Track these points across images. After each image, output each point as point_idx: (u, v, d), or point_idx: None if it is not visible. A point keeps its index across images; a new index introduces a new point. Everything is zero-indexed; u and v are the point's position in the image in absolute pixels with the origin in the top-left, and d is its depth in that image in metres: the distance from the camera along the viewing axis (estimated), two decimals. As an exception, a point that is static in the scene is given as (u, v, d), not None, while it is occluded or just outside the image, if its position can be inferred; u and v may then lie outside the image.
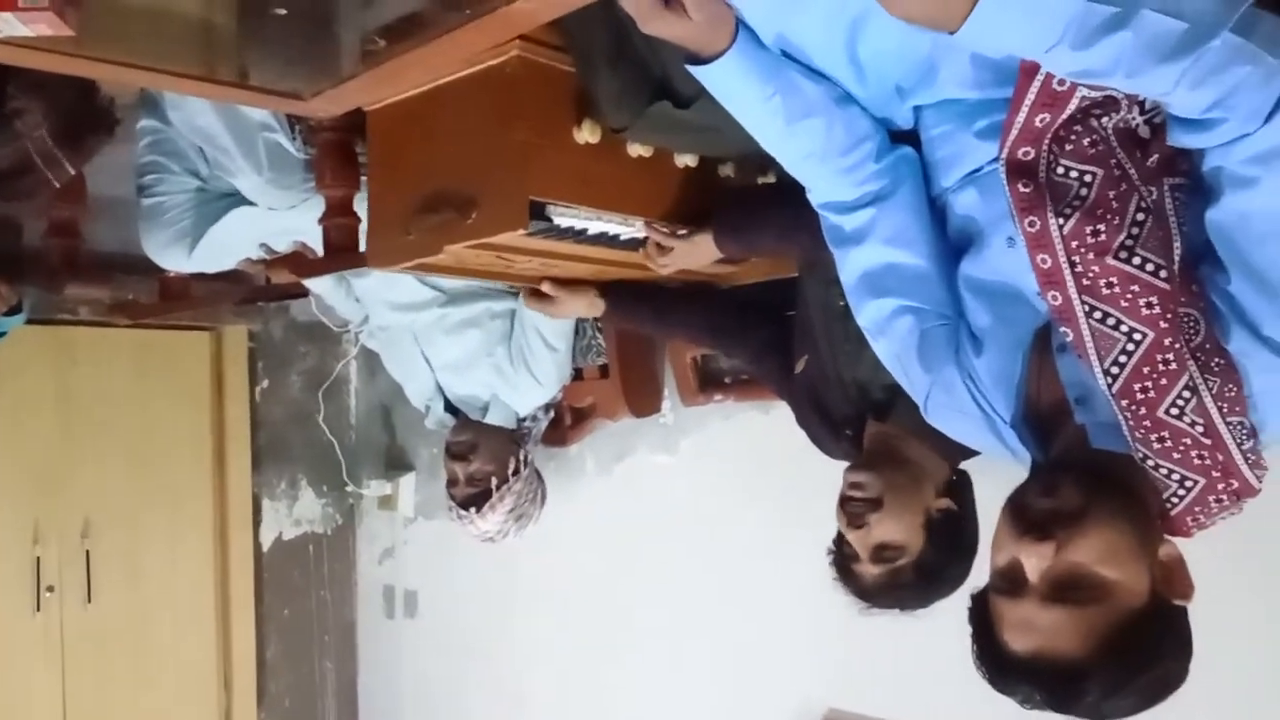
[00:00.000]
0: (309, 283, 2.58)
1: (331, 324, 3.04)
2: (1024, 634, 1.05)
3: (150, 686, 3.35)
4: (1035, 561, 1.04)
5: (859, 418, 1.71)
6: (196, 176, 2.27)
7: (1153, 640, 1.03)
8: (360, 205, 1.87)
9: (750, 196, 1.72)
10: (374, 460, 3.69)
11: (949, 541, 1.51)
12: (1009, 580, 1.07)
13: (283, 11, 1.18)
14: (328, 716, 3.75)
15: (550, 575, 3.06)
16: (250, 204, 2.20)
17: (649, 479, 2.79)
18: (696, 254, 1.76)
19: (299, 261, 2.25)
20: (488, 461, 2.41)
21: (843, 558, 1.60)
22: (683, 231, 1.76)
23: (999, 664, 1.09)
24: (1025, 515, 1.08)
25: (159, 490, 3.36)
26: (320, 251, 1.94)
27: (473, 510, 2.39)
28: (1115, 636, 1.02)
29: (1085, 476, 1.10)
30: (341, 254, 1.85)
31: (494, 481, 2.40)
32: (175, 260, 2.38)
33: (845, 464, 1.67)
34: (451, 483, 2.43)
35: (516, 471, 2.43)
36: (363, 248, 1.82)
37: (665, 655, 2.77)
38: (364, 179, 1.88)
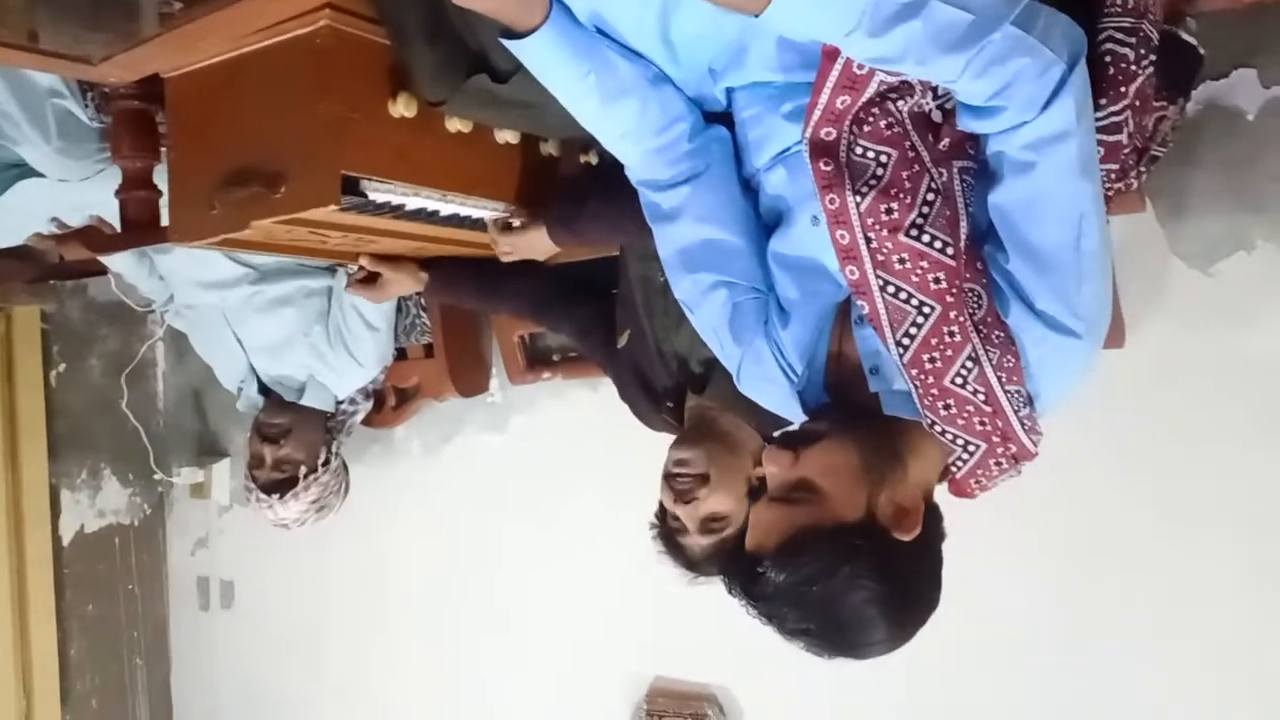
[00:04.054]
0: (108, 260, 2.44)
1: (134, 304, 2.87)
2: (751, 531, 1.14)
3: (-61, 695, 3.11)
4: (774, 469, 1.14)
5: (679, 390, 1.75)
6: (-25, 146, 2.10)
7: (841, 552, 1.07)
8: (161, 177, 1.77)
9: (579, 188, 1.73)
10: (185, 446, 3.52)
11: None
12: (760, 489, 1.18)
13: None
14: (139, 716, 3.57)
15: (377, 560, 3.00)
16: (39, 175, 2.06)
17: (478, 459, 2.77)
18: (532, 247, 1.76)
19: (94, 237, 2.12)
20: (298, 449, 2.35)
21: (668, 530, 1.64)
22: (517, 223, 1.75)
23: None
24: (785, 435, 1.20)
25: (-58, 484, 3.11)
26: (118, 226, 1.83)
27: (274, 497, 2.32)
28: (808, 536, 1.08)
29: (838, 412, 1.21)
30: (141, 229, 1.76)
31: (302, 470, 2.33)
32: (-47, 236, 2.20)
33: (669, 438, 1.71)
34: (256, 464, 2.35)
35: (326, 462, 2.37)
36: (165, 222, 1.73)
37: (497, 635, 2.77)
38: (165, 150, 1.78)
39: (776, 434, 1.23)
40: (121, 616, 3.54)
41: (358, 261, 1.97)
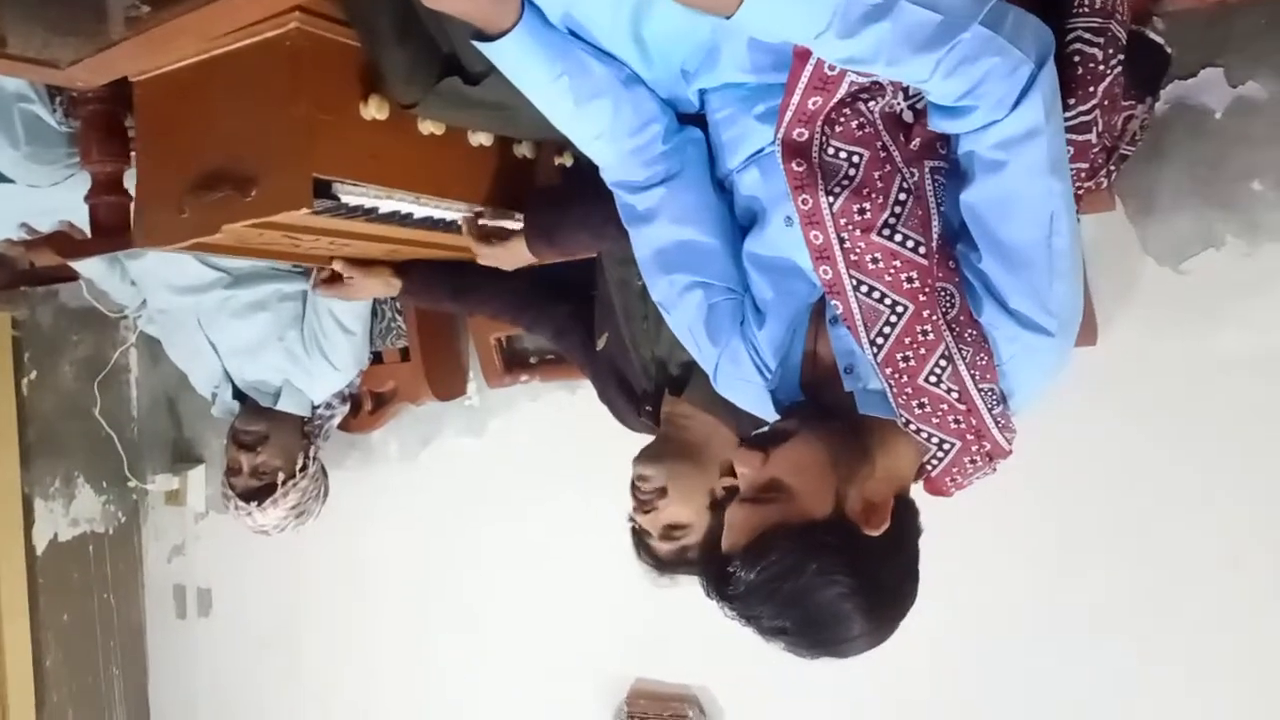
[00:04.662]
0: (79, 265, 2.41)
1: (106, 309, 2.85)
2: (726, 532, 1.15)
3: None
4: (745, 470, 1.15)
5: (658, 393, 1.75)
6: (-57, 150, 2.07)
7: (809, 549, 1.08)
8: (131, 182, 1.76)
9: (557, 198, 1.73)
10: (159, 453, 3.49)
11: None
12: (727, 498, 1.20)
13: (28, -30, 1.09)
14: (116, 725, 3.54)
15: (355, 565, 2.98)
16: (7, 180, 2.03)
17: (456, 462, 2.76)
18: (512, 257, 1.76)
19: (64, 242, 2.10)
20: (276, 455, 2.33)
21: (637, 532, 1.65)
22: (487, 223, 1.74)
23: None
24: (755, 436, 1.21)
25: (-89, 493, 3.07)
26: (88, 231, 1.81)
27: (253, 504, 2.31)
28: (776, 533, 1.09)
29: (806, 410, 1.21)
30: (111, 234, 1.74)
31: (280, 476, 2.32)
32: (-80, 242, 2.18)
33: (647, 440, 1.71)
34: (233, 472, 2.33)
35: (304, 467, 2.36)
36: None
37: (476, 640, 2.75)
38: (135, 154, 1.76)
39: (746, 436, 1.24)
40: (97, 625, 3.50)
41: (331, 265, 1.95)
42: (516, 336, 2.52)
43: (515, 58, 1.19)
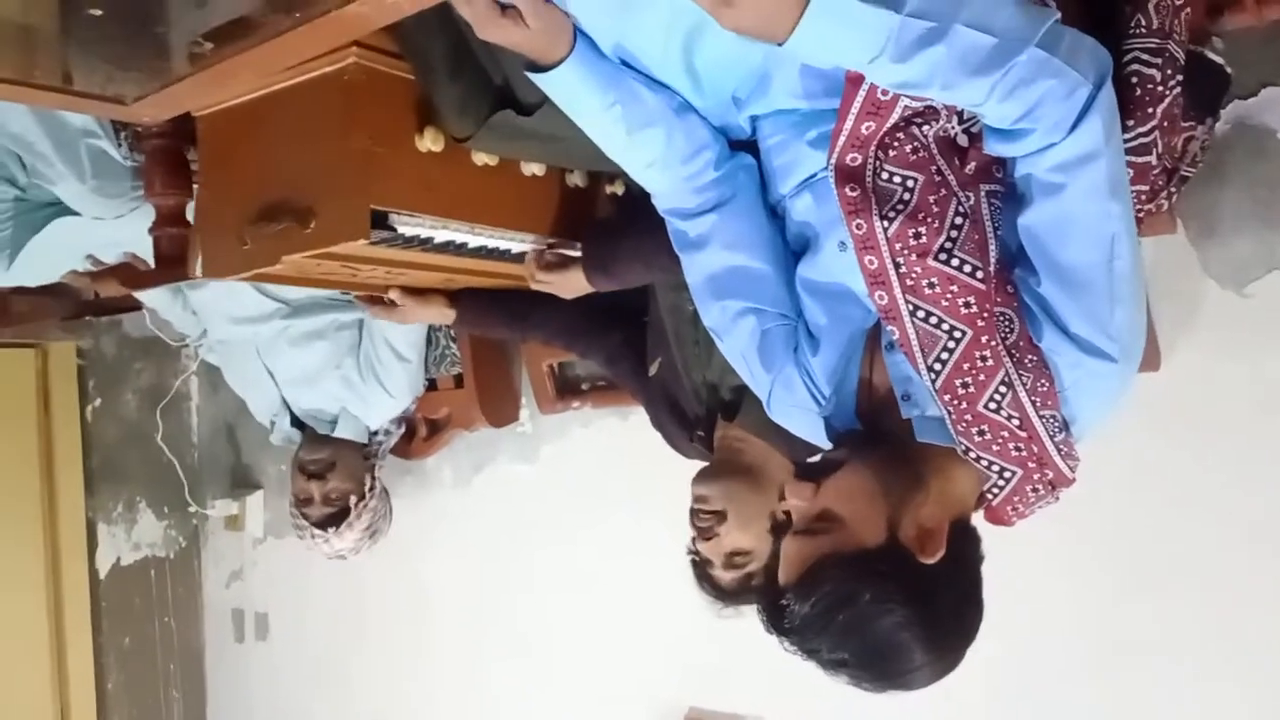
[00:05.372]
0: (142, 296, 2.47)
1: (168, 338, 2.91)
2: (781, 565, 1.13)
3: (-22, 728, 3.13)
4: (797, 502, 1.14)
5: (710, 418, 1.74)
6: (14, 185, 2.14)
7: (862, 577, 1.06)
8: (192, 214, 1.80)
9: (612, 230, 1.74)
10: (219, 479, 3.55)
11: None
12: (786, 523, 1.18)
13: (97, 12, 1.12)
14: (175, 749, 3.59)
15: (409, 590, 3.00)
16: (74, 213, 2.09)
17: (509, 488, 2.77)
18: (568, 285, 1.77)
19: (128, 273, 2.14)
20: (346, 479, 2.37)
21: (699, 563, 1.64)
22: (552, 257, 1.76)
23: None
24: (806, 466, 1.20)
25: (-18, 518, 3.14)
26: (151, 262, 1.85)
27: (330, 530, 2.34)
28: (827, 564, 1.07)
29: (858, 438, 1.20)
30: (173, 265, 1.77)
31: (352, 500, 2.35)
32: (-8, 274, 2.24)
33: (700, 464, 1.71)
34: (304, 502, 2.37)
35: (372, 488, 2.39)
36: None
37: (530, 666, 2.75)
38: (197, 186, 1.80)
39: (798, 466, 1.23)
40: (158, 649, 3.56)
41: (387, 295, 1.98)
42: (569, 363, 2.53)
43: (568, 87, 1.20)
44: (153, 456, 3.47)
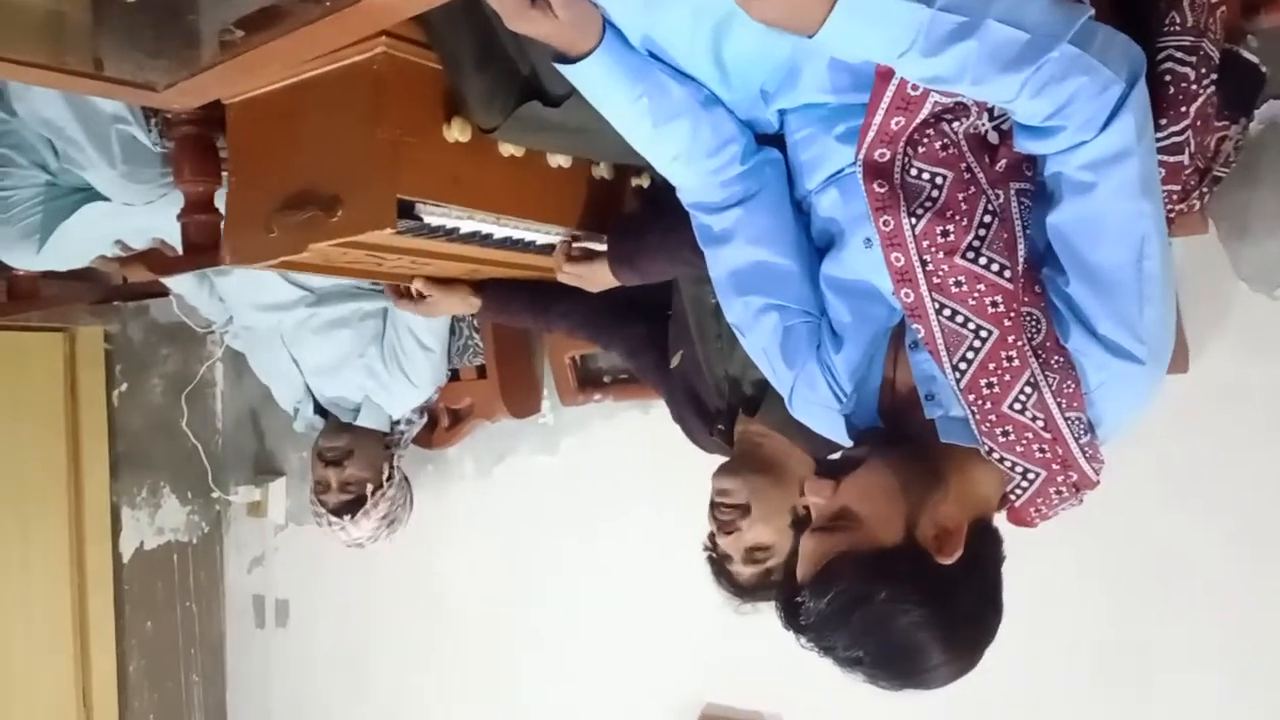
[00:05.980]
0: (170, 282, 2.49)
1: (194, 325, 2.94)
2: (799, 562, 1.13)
3: (2, 708, 3.16)
4: (817, 500, 1.14)
5: (731, 412, 1.74)
6: (45, 170, 2.15)
7: (877, 576, 1.06)
8: (222, 201, 1.81)
9: (638, 224, 1.74)
10: (242, 465, 3.57)
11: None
12: (806, 519, 1.19)
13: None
14: (195, 733, 3.62)
15: (430, 579, 3.01)
16: (104, 199, 2.10)
17: (530, 480, 2.77)
18: (595, 279, 1.77)
19: (156, 259, 2.16)
20: (363, 468, 2.38)
21: (717, 558, 1.63)
22: (579, 249, 1.76)
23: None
24: (826, 464, 1.20)
25: (7, 500, 3.17)
26: (179, 249, 1.86)
27: (346, 518, 2.35)
28: (843, 561, 1.07)
29: (877, 436, 1.20)
30: (201, 251, 1.78)
31: (369, 488, 2.36)
32: (23, 258, 2.26)
33: (721, 459, 1.70)
34: (322, 489, 2.38)
35: (390, 477, 2.40)
36: (225, 245, 1.76)
37: (547, 658, 2.76)
38: (225, 174, 1.81)
39: (818, 463, 1.24)
40: (179, 634, 3.59)
41: (412, 284, 1.99)
42: (591, 356, 2.53)
43: (596, 79, 1.20)
44: (177, 442, 3.51)
